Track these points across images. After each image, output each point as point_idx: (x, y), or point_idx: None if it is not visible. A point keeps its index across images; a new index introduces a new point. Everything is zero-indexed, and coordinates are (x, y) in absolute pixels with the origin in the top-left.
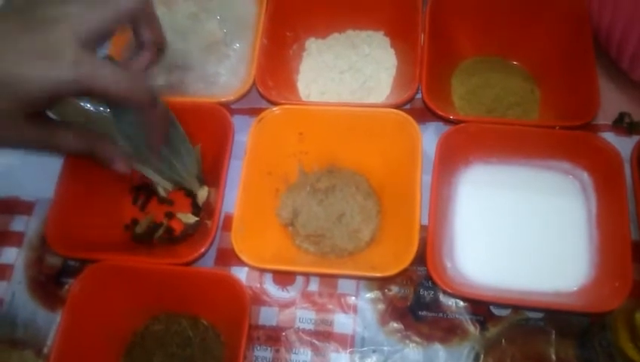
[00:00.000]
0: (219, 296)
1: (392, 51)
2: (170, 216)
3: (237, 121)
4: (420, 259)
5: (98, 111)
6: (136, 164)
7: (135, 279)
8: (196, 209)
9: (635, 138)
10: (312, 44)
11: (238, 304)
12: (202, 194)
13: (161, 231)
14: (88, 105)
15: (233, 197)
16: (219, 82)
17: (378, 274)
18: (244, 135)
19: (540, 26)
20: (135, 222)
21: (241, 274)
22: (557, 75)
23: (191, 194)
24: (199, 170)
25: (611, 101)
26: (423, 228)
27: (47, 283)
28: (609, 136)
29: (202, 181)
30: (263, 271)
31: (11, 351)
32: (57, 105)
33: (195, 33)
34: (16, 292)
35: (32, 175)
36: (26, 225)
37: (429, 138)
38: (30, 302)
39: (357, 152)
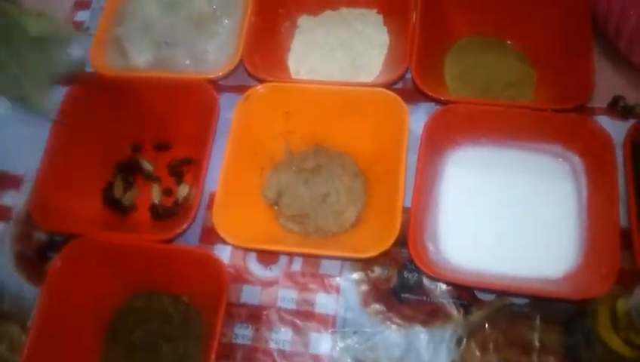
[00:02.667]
0: (199, 274)
1: (384, 29)
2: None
3: (225, 98)
4: (404, 241)
5: None
6: None
7: (117, 255)
8: (175, 207)
9: (630, 122)
10: (305, 21)
11: (218, 282)
12: (182, 190)
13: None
14: None
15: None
16: (207, 59)
17: (359, 255)
18: (231, 112)
19: (537, 6)
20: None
21: (224, 252)
22: (553, 56)
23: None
24: (51, 76)
25: (608, 84)
26: (407, 210)
27: (34, 258)
28: (604, 120)
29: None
30: (244, 249)
31: None
32: None
33: (183, 9)
34: (3, 266)
35: (20, 149)
36: (14, 200)
37: (419, 119)
38: (16, 276)
39: (344, 132)
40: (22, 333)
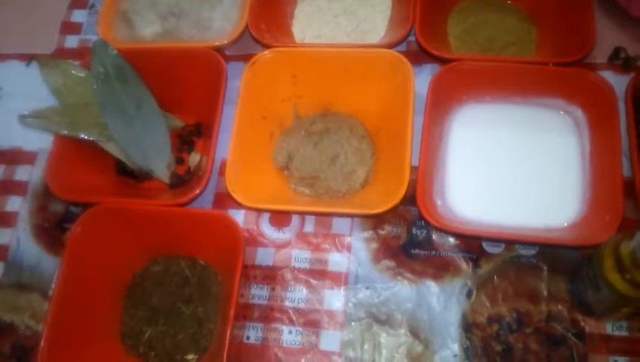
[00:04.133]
0: (215, 235)
1: None
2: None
3: (232, 67)
4: (413, 199)
5: (80, 76)
6: (103, 141)
7: (133, 221)
8: (187, 174)
9: (631, 75)
10: None
11: (233, 243)
12: (194, 158)
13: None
14: (73, 71)
15: (228, 143)
16: (212, 27)
17: (370, 211)
18: (239, 80)
19: None
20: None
21: (238, 216)
22: (553, 14)
23: (180, 161)
24: (171, 157)
25: (609, 39)
26: (415, 169)
27: (51, 230)
28: (606, 74)
29: (172, 167)
30: (256, 210)
31: (19, 294)
32: (46, 67)
33: None
34: (22, 238)
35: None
36: (30, 175)
37: (424, 80)
38: (35, 247)
39: (351, 95)
40: (43, 302)
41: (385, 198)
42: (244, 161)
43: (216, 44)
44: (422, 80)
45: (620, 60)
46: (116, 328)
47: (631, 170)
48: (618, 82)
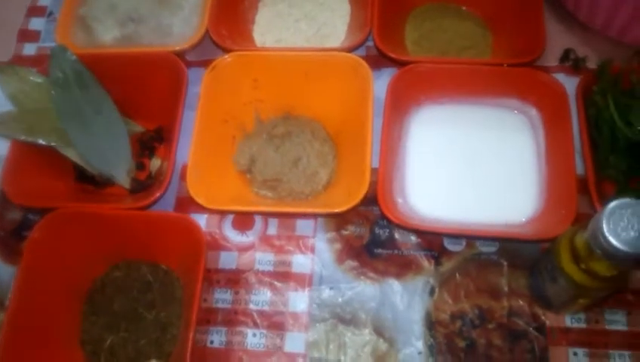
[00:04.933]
0: (177, 239)
1: None
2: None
3: (192, 73)
4: (375, 200)
5: (37, 81)
6: (62, 147)
7: (93, 226)
8: (148, 180)
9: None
10: None
11: (196, 247)
12: (155, 163)
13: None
14: (31, 77)
15: (189, 148)
16: (172, 33)
17: (332, 210)
18: (200, 86)
19: None
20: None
21: (200, 220)
22: (507, 18)
23: (141, 167)
24: (131, 163)
25: (559, 43)
26: (376, 170)
27: (7, 238)
28: (558, 76)
29: (133, 173)
30: (219, 212)
31: None
32: (2, 73)
33: None
34: None
35: None
36: None
37: (383, 84)
38: None
39: (312, 99)
40: (0, 312)
41: (347, 198)
42: (206, 164)
43: (177, 48)
44: (381, 84)
45: (570, 62)
46: (76, 336)
47: (584, 167)
48: (569, 83)
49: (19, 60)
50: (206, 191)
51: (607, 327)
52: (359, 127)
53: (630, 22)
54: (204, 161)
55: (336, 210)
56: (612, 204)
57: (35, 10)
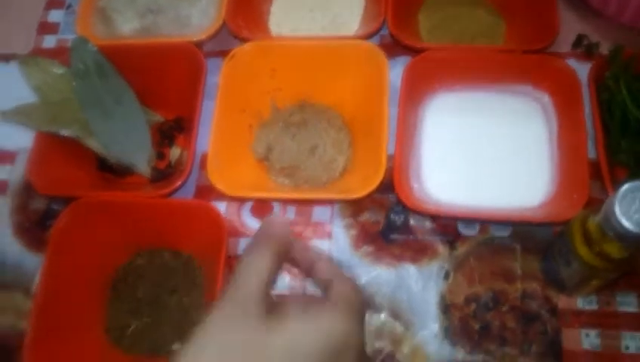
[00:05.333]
0: (198, 226)
1: None
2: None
3: (210, 63)
4: (391, 187)
5: (59, 73)
6: (84, 137)
7: (116, 214)
8: (168, 169)
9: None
10: None
11: (217, 233)
12: (174, 152)
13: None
14: (53, 69)
15: (209, 137)
16: (191, 24)
17: (349, 196)
18: (218, 76)
19: None
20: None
21: (219, 208)
22: (520, 6)
23: (161, 156)
24: (151, 152)
25: (573, 30)
26: (392, 157)
27: (32, 228)
28: (570, 62)
29: (153, 162)
30: (239, 199)
31: (1, 295)
32: (25, 65)
33: None
34: (3, 237)
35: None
36: (10, 174)
37: (398, 72)
38: (17, 246)
39: (328, 87)
40: (26, 300)
41: (363, 185)
42: (225, 153)
43: (194, 39)
44: (396, 72)
45: (582, 47)
46: (101, 322)
47: (596, 152)
48: (581, 69)
49: (39, 52)
50: (226, 179)
51: (618, 309)
52: (375, 115)
53: None
54: (223, 149)
55: (354, 196)
56: (624, 187)
57: (53, 3)
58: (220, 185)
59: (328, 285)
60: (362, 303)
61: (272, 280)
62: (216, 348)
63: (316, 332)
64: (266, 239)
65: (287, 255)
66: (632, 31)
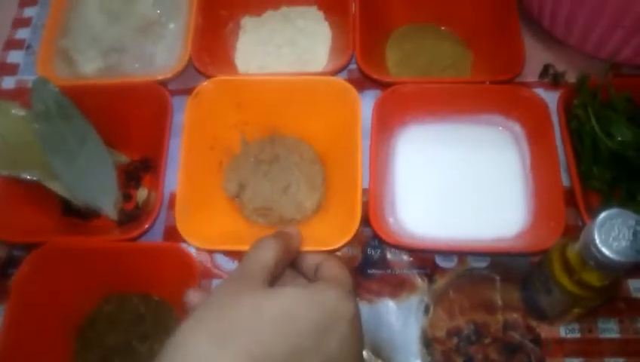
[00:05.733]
0: (169, 269)
1: (325, 24)
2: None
3: (176, 101)
4: (366, 220)
5: (19, 115)
6: (47, 180)
7: (82, 259)
8: (136, 210)
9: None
10: (248, 22)
11: (189, 276)
12: (141, 194)
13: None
14: (13, 110)
15: (176, 176)
16: (155, 62)
17: (323, 248)
18: (184, 114)
19: None
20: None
21: (190, 249)
22: (486, 37)
23: (128, 197)
24: (118, 194)
25: (538, 60)
26: (366, 191)
27: None
28: (539, 92)
29: (120, 204)
30: (209, 251)
31: None
32: None
33: (129, 15)
34: None
35: None
36: None
37: (367, 106)
38: None
39: (298, 120)
40: None
41: (338, 231)
42: (194, 194)
43: (159, 78)
44: (365, 106)
45: (549, 77)
46: None
47: (569, 179)
48: (548, 98)
49: None
50: (196, 226)
51: (600, 336)
52: (348, 150)
53: (605, 37)
54: (192, 191)
55: (329, 248)
56: (602, 215)
57: (12, 43)
58: (190, 237)
59: (317, 269)
60: (349, 278)
61: (277, 272)
62: (215, 312)
63: (310, 302)
64: (275, 234)
65: (295, 252)
66: (595, 59)
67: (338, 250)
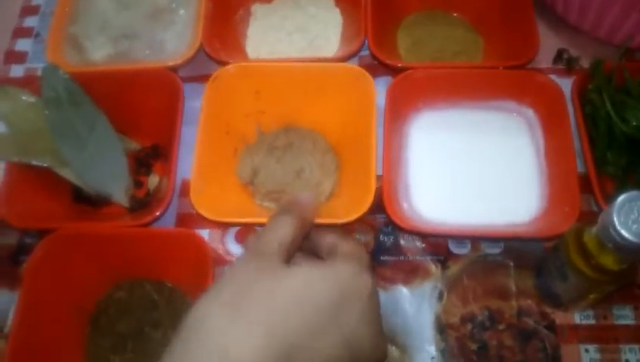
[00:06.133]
0: (181, 255)
1: (336, 10)
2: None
3: (187, 88)
4: (379, 207)
5: (30, 101)
6: (58, 167)
7: (94, 246)
8: (147, 197)
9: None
10: (258, 9)
11: (202, 262)
12: (153, 180)
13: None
14: (23, 97)
15: (188, 163)
16: (166, 48)
17: (336, 221)
18: (195, 101)
19: None
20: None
21: (202, 236)
22: (497, 23)
23: (139, 184)
24: (129, 180)
25: (551, 46)
26: (380, 178)
27: (4, 264)
28: (552, 77)
29: (131, 191)
30: (223, 225)
31: None
32: None
33: (139, 1)
34: None
35: None
36: None
37: (379, 92)
38: None
39: (313, 110)
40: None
41: (352, 208)
42: (208, 177)
43: (170, 64)
44: (378, 92)
45: (563, 62)
46: (81, 360)
47: (584, 165)
48: (562, 84)
49: (6, 82)
50: (209, 205)
51: (615, 322)
52: (362, 137)
53: (619, 22)
54: (206, 174)
55: (342, 221)
56: (622, 197)
57: (21, 32)
58: (203, 211)
59: (333, 248)
60: (366, 254)
61: (294, 248)
62: (232, 287)
63: (327, 278)
64: (290, 206)
65: (310, 225)
66: (608, 45)
67: (352, 223)
